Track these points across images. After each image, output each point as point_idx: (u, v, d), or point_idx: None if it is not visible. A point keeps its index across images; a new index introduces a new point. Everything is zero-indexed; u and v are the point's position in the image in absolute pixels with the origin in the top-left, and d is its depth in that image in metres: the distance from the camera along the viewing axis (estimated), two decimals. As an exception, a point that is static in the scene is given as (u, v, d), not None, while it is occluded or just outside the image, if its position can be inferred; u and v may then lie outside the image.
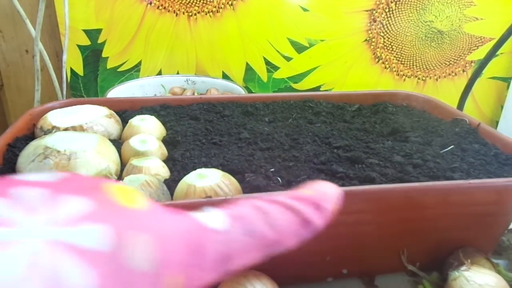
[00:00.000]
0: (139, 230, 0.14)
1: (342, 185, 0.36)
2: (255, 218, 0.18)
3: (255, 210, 0.18)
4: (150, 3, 0.95)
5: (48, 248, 0.12)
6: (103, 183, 0.15)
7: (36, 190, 0.13)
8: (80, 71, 0.99)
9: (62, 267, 0.12)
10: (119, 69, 1.00)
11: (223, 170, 0.37)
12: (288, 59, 1.03)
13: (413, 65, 1.09)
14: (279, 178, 0.37)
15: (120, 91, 0.82)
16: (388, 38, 1.05)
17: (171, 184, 0.36)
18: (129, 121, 0.47)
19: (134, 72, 1.00)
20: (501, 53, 1.08)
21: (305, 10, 0.99)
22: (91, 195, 0.14)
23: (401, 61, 1.08)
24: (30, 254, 0.12)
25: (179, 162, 0.40)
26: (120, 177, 0.38)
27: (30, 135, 0.44)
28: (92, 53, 0.98)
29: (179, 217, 0.16)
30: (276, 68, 1.04)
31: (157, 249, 0.14)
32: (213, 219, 0.17)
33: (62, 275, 0.12)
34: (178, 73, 1.01)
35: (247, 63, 1.03)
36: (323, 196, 0.20)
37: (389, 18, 1.03)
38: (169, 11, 0.96)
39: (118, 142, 0.44)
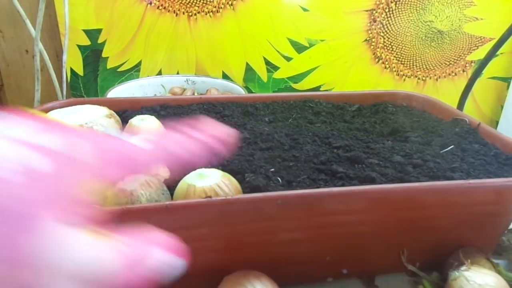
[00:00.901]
0: (81, 138, 0.19)
1: (342, 185, 0.36)
2: (173, 143, 0.23)
3: (173, 140, 0.24)
4: (150, 3, 0.95)
5: (12, 145, 0.16)
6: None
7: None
8: (80, 71, 0.99)
9: (25, 156, 0.16)
10: (119, 69, 1.00)
11: (223, 170, 0.37)
12: (288, 59, 1.03)
13: (413, 65, 1.09)
14: (279, 178, 0.37)
15: (120, 91, 0.82)
16: (388, 38, 1.05)
17: (171, 184, 0.36)
18: (129, 121, 0.47)
19: (134, 72, 1.00)
20: (501, 53, 1.08)
21: (305, 10, 0.99)
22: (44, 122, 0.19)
23: (401, 61, 1.08)
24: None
25: (179, 162, 0.40)
26: (120, 177, 0.38)
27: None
28: (92, 53, 0.98)
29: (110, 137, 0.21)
30: (276, 68, 1.04)
31: (95, 153, 0.19)
32: (138, 141, 0.22)
33: (28, 161, 0.16)
34: (178, 73, 1.01)
35: (247, 63, 1.03)
36: (224, 135, 0.25)
37: (389, 18, 1.03)
38: (169, 11, 0.96)
39: (118, 142, 0.44)
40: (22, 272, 0.15)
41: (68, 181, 0.17)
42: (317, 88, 1.07)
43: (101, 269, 0.16)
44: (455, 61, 1.10)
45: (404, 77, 1.10)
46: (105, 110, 0.47)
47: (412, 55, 1.08)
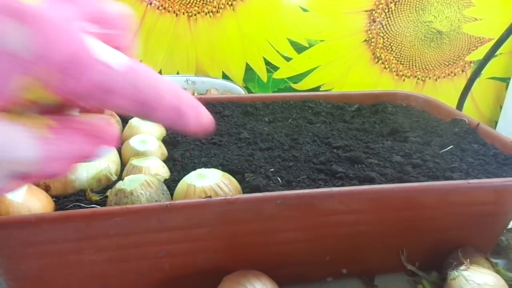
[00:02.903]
0: (24, 19, 0.14)
1: (342, 185, 0.37)
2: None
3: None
4: (150, 3, 0.95)
5: None
6: None
7: None
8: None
9: None
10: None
11: (223, 170, 0.37)
12: (288, 59, 1.04)
13: (412, 65, 1.09)
14: (279, 178, 0.37)
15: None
16: (388, 38, 1.05)
17: (171, 184, 0.36)
18: (129, 121, 0.47)
19: (134, 72, 1.01)
20: (500, 54, 1.08)
21: (304, 10, 0.99)
22: None
23: (401, 61, 1.08)
24: None
25: (179, 162, 0.40)
26: (120, 177, 0.38)
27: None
28: (92, 53, 0.98)
29: (71, 26, 0.16)
30: (276, 68, 1.04)
31: (39, 44, 0.14)
32: (113, 57, 0.16)
33: None
34: (178, 73, 1.01)
35: (247, 63, 1.03)
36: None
37: (389, 19, 1.03)
38: (169, 11, 0.97)
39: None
40: None
41: None
42: (317, 88, 1.08)
43: (15, 155, 0.15)
44: (454, 61, 1.10)
45: (403, 77, 1.10)
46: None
47: (411, 56, 1.08)
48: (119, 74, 0.16)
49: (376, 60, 1.07)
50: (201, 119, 0.19)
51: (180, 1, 0.96)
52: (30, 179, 0.16)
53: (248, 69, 1.04)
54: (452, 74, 1.11)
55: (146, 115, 0.18)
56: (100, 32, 0.18)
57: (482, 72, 0.81)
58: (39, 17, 0.14)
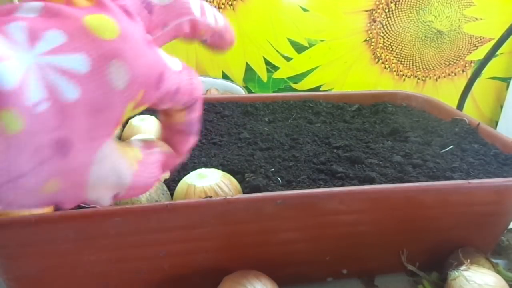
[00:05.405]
0: (113, 56, 0.17)
1: (342, 185, 0.36)
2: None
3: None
4: (150, 3, 0.95)
5: (38, 69, 0.15)
6: (81, 14, 0.17)
7: (19, 25, 0.16)
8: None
9: (55, 82, 0.16)
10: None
11: (223, 170, 0.37)
12: (288, 59, 1.04)
13: (412, 65, 1.09)
14: (279, 178, 0.37)
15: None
16: (388, 38, 1.05)
17: (171, 184, 0.36)
18: (129, 121, 0.47)
19: (134, 72, 1.01)
20: (501, 53, 1.08)
21: (305, 10, 0.99)
22: (67, 27, 0.17)
23: (401, 61, 1.08)
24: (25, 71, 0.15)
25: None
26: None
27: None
28: (92, 53, 0.98)
29: (148, 49, 0.19)
30: (276, 68, 1.04)
31: (128, 72, 0.17)
32: (174, 62, 0.21)
33: (57, 87, 0.16)
34: (178, 73, 1.01)
35: (247, 63, 1.03)
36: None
37: (389, 18, 1.03)
38: (169, 11, 0.97)
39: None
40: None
41: (103, 108, 0.17)
42: (317, 88, 1.08)
43: (124, 181, 0.20)
44: (454, 61, 1.10)
45: (403, 77, 1.10)
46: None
47: (411, 55, 1.08)
48: (181, 75, 0.21)
49: (376, 60, 1.07)
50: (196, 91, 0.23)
51: (180, 1, 0.96)
52: (118, 199, 0.21)
53: (248, 69, 1.04)
54: (453, 74, 1.11)
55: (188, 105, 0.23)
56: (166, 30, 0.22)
57: (483, 72, 0.81)
58: (128, 51, 0.17)
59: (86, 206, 0.33)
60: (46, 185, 0.17)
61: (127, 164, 0.20)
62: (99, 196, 0.20)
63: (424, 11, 1.03)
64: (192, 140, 0.24)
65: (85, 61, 0.16)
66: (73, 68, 0.16)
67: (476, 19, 1.06)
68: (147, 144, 0.23)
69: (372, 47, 1.05)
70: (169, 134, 0.24)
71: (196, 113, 0.23)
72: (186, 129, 0.24)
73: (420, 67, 1.09)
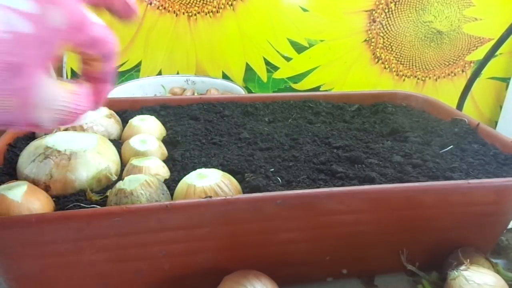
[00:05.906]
0: (53, 2, 0.22)
1: (342, 185, 0.37)
2: None
3: None
4: (150, 3, 0.95)
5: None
6: None
7: None
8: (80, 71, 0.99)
9: (8, 17, 0.21)
10: (119, 69, 1.00)
11: (223, 170, 0.37)
12: (288, 59, 1.04)
13: (412, 65, 1.09)
14: (279, 178, 0.37)
15: (120, 91, 0.82)
16: (388, 38, 1.05)
17: (171, 184, 0.36)
18: (129, 121, 0.47)
19: (134, 72, 1.00)
20: (500, 54, 1.08)
21: (305, 10, 0.99)
22: None
23: (401, 61, 1.08)
24: None
25: (179, 162, 0.40)
26: (120, 177, 0.38)
27: (30, 135, 0.44)
28: (92, 53, 0.98)
29: (76, 1, 0.24)
30: (276, 68, 1.04)
31: (63, 15, 0.23)
32: (95, 17, 0.26)
33: (11, 21, 0.21)
34: (178, 73, 1.01)
35: (247, 63, 1.03)
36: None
37: (389, 19, 1.03)
38: (169, 11, 0.97)
39: (118, 142, 0.44)
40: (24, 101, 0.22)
41: (46, 42, 0.22)
42: (317, 88, 1.08)
43: (61, 103, 0.24)
44: (454, 61, 1.10)
45: (403, 77, 1.10)
46: (105, 110, 0.47)
47: (411, 55, 1.08)
48: (101, 27, 0.26)
49: (376, 60, 1.07)
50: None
51: (180, 1, 0.96)
52: (59, 125, 0.25)
53: (248, 69, 1.04)
54: (452, 74, 1.11)
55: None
56: None
57: (482, 72, 0.81)
58: (64, 0, 0.23)
59: (86, 206, 0.33)
60: (2, 103, 0.22)
61: (63, 92, 0.25)
62: (42, 118, 0.24)
63: (424, 11, 1.03)
64: (108, 88, 0.29)
65: (33, 4, 0.21)
66: (25, 9, 0.21)
67: (476, 19, 1.06)
68: (77, 82, 0.28)
69: (372, 47, 1.05)
70: (88, 82, 0.28)
71: (112, 64, 0.28)
72: (102, 77, 0.28)
73: (420, 67, 1.09)
